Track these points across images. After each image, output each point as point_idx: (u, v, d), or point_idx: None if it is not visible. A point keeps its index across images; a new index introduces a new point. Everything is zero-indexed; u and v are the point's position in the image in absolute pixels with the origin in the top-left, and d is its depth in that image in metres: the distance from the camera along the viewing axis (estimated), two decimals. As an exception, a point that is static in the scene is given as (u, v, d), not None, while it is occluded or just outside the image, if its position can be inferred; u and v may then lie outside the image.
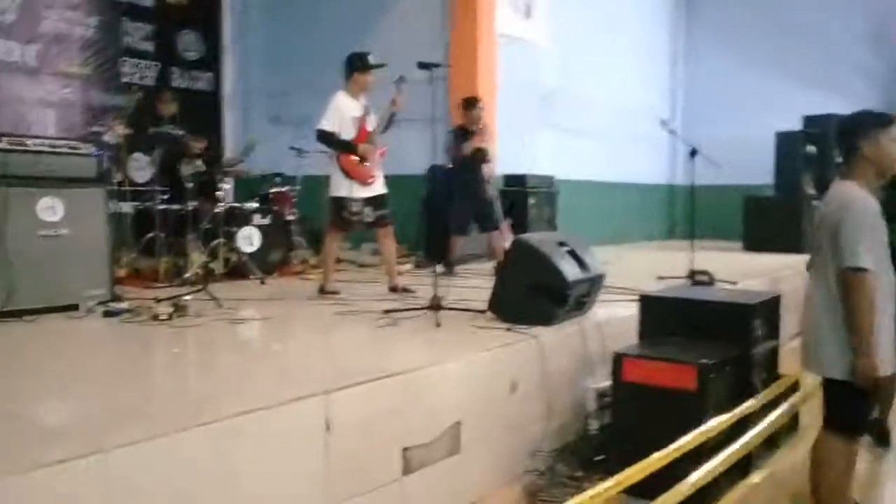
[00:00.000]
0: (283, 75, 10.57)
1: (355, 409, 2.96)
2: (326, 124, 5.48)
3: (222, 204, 6.59)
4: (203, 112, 9.68)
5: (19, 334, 4.15)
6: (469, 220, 7.08)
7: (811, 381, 4.33)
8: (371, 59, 5.58)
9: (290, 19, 10.51)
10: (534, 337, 4.02)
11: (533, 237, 4.70)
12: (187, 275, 6.13)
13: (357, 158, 5.51)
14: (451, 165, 7.12)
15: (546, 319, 4.23)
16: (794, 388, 4.25)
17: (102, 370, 3.49)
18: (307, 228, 7.94)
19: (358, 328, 4.41)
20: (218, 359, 3.85)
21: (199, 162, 6.75)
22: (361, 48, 8.97)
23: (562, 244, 4.47)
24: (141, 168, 7.80)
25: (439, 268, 5.72)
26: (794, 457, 4.15)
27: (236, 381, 3.26)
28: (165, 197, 6.68)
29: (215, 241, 6.40)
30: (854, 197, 2.96)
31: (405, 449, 3.20)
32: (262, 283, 6.32)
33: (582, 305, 4.53)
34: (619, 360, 3.74)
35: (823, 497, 3.07)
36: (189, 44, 9.88)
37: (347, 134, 5.52)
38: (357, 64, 5.61)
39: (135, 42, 9.23)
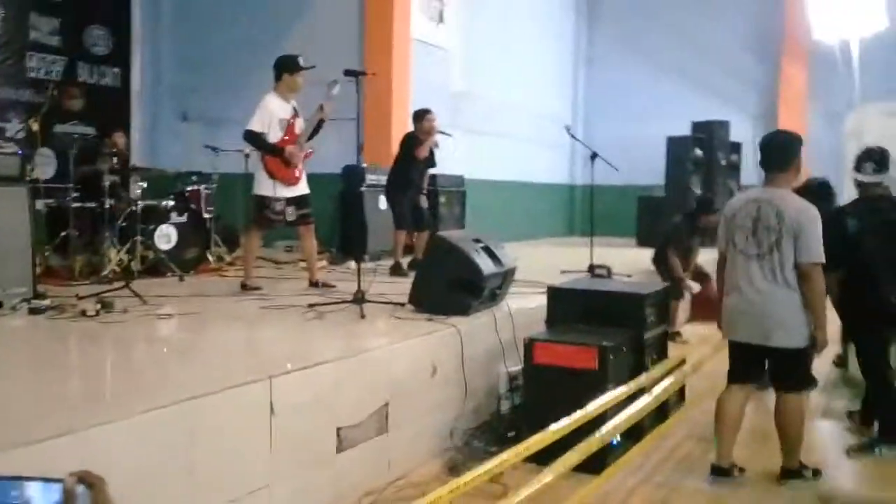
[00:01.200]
0: (193, 72, 10.55)
1: (295, 394, 3.23)
2: (255, 125, 5.62)
3: (138, 202, 6.62)
4: (111, 108, 9.57)
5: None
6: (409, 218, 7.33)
7: (694, 362, 4.91)
8: (301, 62, 5.72)
9: (201, 16, 10.50)
10: (452, 326, 4.38)
11: (451, 235, 5.07)
12: (105, 272, 6.17)
13: (283, 160, 5.68)
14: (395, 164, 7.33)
15: (463, 310, 4.60)
16: (680, 365, 4.77)
17: (50, 363, 3.61)
18: (223, 226, 8.05)
19: (286, 321, 4.64)
20: (159, 351, 4.01)
21: (114, 160, 6.76)
22: (276, 48, 9.14)
23: (477, 241, 4.85)
24: (48, 164, 7.73)
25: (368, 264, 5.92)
26: (681, 426, 4.70)
27: (182, 371, 3.47)
28: (77, 195, 6.65)
29: (132, 239, 6.44)
30: (806, 203, 3.71)
31: (339, 429, 3.49)
32: (181, 280, 6.41)
33: (495, 297, 4.92)
34: (530, 344, 4.15)
35: (794, 439, 3.80)
36: (97, 38, 9.73)
37: (276, 135, 5.67)
38: (287, 66, 5.73)
39: (42, 36, 9.05)
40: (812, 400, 4.54)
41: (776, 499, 3.74)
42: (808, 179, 5.42)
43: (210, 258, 7.38)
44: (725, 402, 3.91)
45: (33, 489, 1.04)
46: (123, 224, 6.55)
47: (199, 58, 10.49)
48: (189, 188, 7.55)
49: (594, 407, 3.45)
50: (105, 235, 6.43)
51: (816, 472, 3.88)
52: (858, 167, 4.46)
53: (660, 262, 7.20)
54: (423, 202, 7.33)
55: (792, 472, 3.82)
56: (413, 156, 7.05)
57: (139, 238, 6.42)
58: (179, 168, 8.02)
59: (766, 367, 3.89)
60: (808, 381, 3.88)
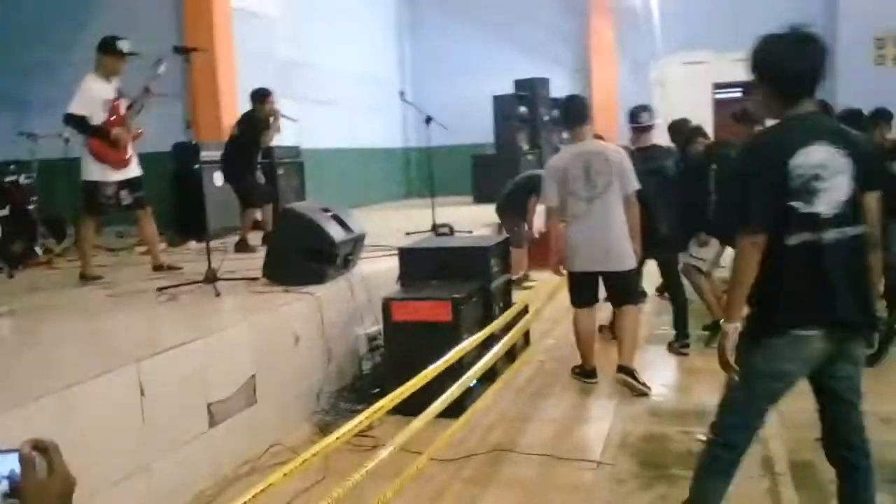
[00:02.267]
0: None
1: (164, 374, 3.27)
2: (75, 108, 5.37)
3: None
4: None
5: None
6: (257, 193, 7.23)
7: (535, 308, 5.35)
8: (122, 46, 5.49)
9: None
10: (309, 294, 4.52)
11: (300, 205, 5.15)
12: (-78, 275, 5.72)
13: (110, 142, 5.48)
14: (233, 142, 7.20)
15: (318, 278, 4.74)
16: (524, 312, 5.19)
17: None
18: (47, 216, 7.59)
19: (139, 307, 4.57)
20: (16, 346, 3.87)
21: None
22: (91, 24, 8.64)
23: (325, 210, 4.98)
24: None
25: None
26: (529, 368, 5.14)
27: (47, 363, 3.38)
28: None
29: (-51, 238, 5.99)
30: (618, 147, 4.88)
31: (209, 404, 3.56)
32: (11, 276, 6.05)
33: (348, 263, 5.09)
34: (387, 304, 4.37)
35: (632, 342, 4.70)
36: None
37: (100, 117, 5.44)
38: (106, 48, 5.50)
39: None
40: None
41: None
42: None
43: (38, 251, 6.98)
44: (580, 322, 4.77)
45: None
46: (-66, 222, 6.06)
47: (1, 40, 9.65)
48: (7, 179, 7.05)
49: (452, 355, 3.73)
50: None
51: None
52: (636, 118, 5.42)
53: (505, 211, 7.67)
54: (261, 177, 7.30)
55: (627, 369, 4.59)
56: (256, 139, 7.00)
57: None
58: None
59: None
60: (640, 294, 5.19)
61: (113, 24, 7.47)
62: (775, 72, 2.35)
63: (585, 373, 4.79)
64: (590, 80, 13.63)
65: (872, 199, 2.39)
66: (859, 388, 2.47)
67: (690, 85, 12.84)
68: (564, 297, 4.98)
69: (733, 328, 2.37)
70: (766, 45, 2.37)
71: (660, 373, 5.02)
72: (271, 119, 7.05)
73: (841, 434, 2.50)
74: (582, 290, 4.73)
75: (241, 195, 7.10)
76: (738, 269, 2.34)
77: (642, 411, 4.32)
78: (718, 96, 12.94)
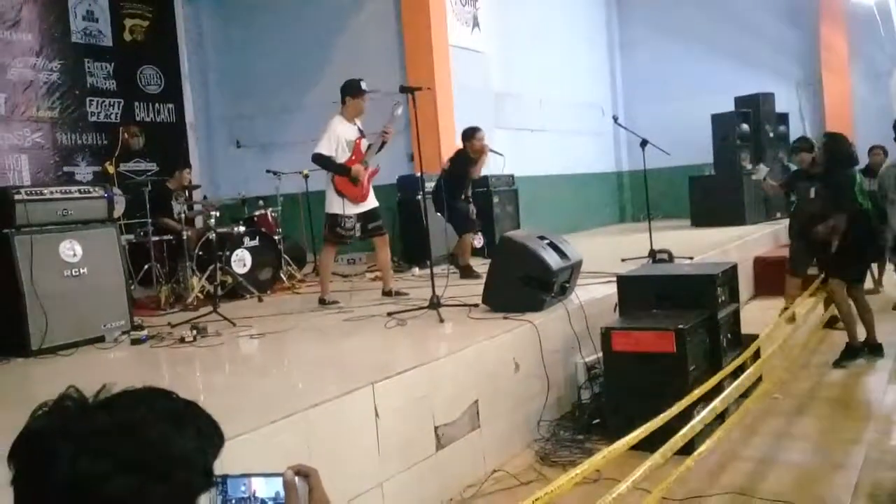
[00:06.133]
0: (241, 101, 10.94)
1: (396, 396, 3.46)
2: (322, 148, 5.88)
3: (213, 231, 6.95)
4: (168, 143, 9.98)
5: (65, 368, 4.47)
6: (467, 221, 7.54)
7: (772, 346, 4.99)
8: (364, 86, 5.97)
9: (244, 46, 10.87)
10: (528, 322, 4.57)
11: (518, 234, 5.26)
12: (189, 300, 6.51)
13: (350, 179, 5.93)
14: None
15: (536, 306, 4.78)
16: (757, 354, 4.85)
17: (173, 387, 3.88)
18: (290, 245, 8.36)
19: (371, 331, 4.88)
20: (264, 368, 4.28)
21: (185, 193, 7.12)
22: (320, 70, 9.44)
23: (542, 238, 5.03)
24: (119, 203, 8.11)
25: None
26: (761, 405, 4.80)
27: (292, 384, 3.72)
28: (153, 229, 7.00)
29: (211, 266, 6.76)
30: None
31: (437, 427, 3.71)
32: (260, 300, 6.71)
33: (565, 290, 5.09)
34: (607, 333, 4.31)
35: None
36: (150, 78, 10.17)
37: (344, 155, 5.93)
38: (351, 90, 5.99)
39: (98, 81, 9.50)
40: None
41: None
42: None
43: (283, 277, 7.70)
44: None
45: (257, 483, 1.23)
46: (200, 253, 6.89)
47: (245, 86, 10.87)
48: (257, 212, 7.88)
49: (689, 397, 3.57)
50: (185, 265, 6.77)
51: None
52: None
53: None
54: (473, 212, 7.53)
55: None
56: (466, 173, 7.29)
57: (217, 265, 6.74)
58: (239, 193, 8.37)
59: None
60: None
61: (341, 68, 8.15)
62: None
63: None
64: (821, 94, 12.63)
65: None
66: None
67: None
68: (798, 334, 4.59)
69: None
70: None
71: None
72: (481, 155, 7.27)
73: None
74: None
75: (452, 223, 7.39)
76: None
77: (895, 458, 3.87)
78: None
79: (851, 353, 5.54)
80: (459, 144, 7.67)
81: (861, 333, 5.62)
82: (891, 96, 12.00)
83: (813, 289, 6.58)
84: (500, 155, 7.58)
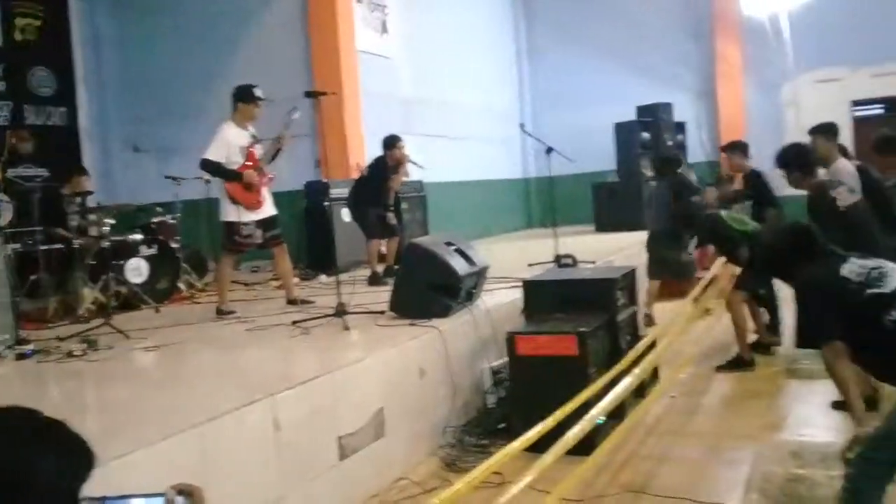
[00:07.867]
0: (139, 104, 10.54)
1: (297, 407, 3.37)
2: (211, 154, 5.72)
3: (107, 239, 6.64)
4: (60, 147, 9.49)
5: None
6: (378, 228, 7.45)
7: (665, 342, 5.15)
8: (257, 93, 5.82)
9: (143, 47, 10.48)
10: (434, 328, 4.55)
11: (424, 240, 5.25)
12: (80, 311, 6.19)
13: (243, 185, 5.77)
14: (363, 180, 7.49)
15: (443, 312, 4.78)
16: (652, 346, 5.00)
17: (55, 405, 3.67)
18: (190, 253, 8.08)
19: (274, 340, 4.76)
20: (158, 382, 4.10)
21: (78, 199, 6.78)
22: (224, 73, 9.19)
23: (449, 244, 5.04)
24: (6, 209, 7.66)
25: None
26: (659, 404, 4.94)
27: (187, 397, 3.56)
28: (42, 237, 6.62)
29: (104, 276, 6.46)
30: None
31: (340, 437, 3.64)
32: (157, 311, 6.45)
33: (471, 296, 5.11)
34: (511, 338, 4.34)
35: None
36: (42, 80, 9.66)
37: (236, 162, 5.76)
38: (242, 95, 5.85)
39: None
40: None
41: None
42: None
43: (181, 287, 7.42)
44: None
45: None
46: (93, 262, 6.56)
47: (144, 89, 10.48)
48: (155, 220, 7.58)
49: (584, 394, 3.64)
50: (76, 275, 6.44)
51: None
52: None
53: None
54: (391, 218, 7.48)
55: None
56: (384, 181, 7.23)
57: (110, 274, 6.44)
58: (136, 200, 8.05)
59: None
60: None
61: (246, 71, 7.95)
62: None
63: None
64: (716, 104, 13.19)
65: None
66: None
67: (825, 104, 12.15)
68: (694, 330, 4.77)
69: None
70: None
71: (802, 409, 4.70)
72: (400, 165, 7.24)
73: None
74: None
75: (363, 228, 7.31)
76: None
77: (785, 453, 4.05)
78: (857, 114, 12.16)
79: (738, 364, 5.66)
80: (368, 151, 7.63)
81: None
82: (782, 107, 12.65)
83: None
84: (421, 167, 7.57)
